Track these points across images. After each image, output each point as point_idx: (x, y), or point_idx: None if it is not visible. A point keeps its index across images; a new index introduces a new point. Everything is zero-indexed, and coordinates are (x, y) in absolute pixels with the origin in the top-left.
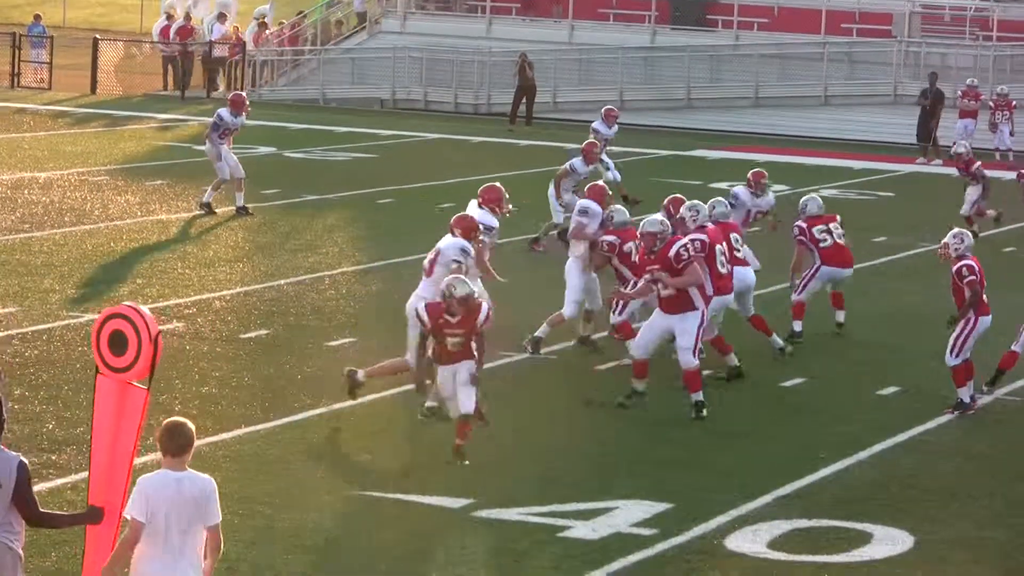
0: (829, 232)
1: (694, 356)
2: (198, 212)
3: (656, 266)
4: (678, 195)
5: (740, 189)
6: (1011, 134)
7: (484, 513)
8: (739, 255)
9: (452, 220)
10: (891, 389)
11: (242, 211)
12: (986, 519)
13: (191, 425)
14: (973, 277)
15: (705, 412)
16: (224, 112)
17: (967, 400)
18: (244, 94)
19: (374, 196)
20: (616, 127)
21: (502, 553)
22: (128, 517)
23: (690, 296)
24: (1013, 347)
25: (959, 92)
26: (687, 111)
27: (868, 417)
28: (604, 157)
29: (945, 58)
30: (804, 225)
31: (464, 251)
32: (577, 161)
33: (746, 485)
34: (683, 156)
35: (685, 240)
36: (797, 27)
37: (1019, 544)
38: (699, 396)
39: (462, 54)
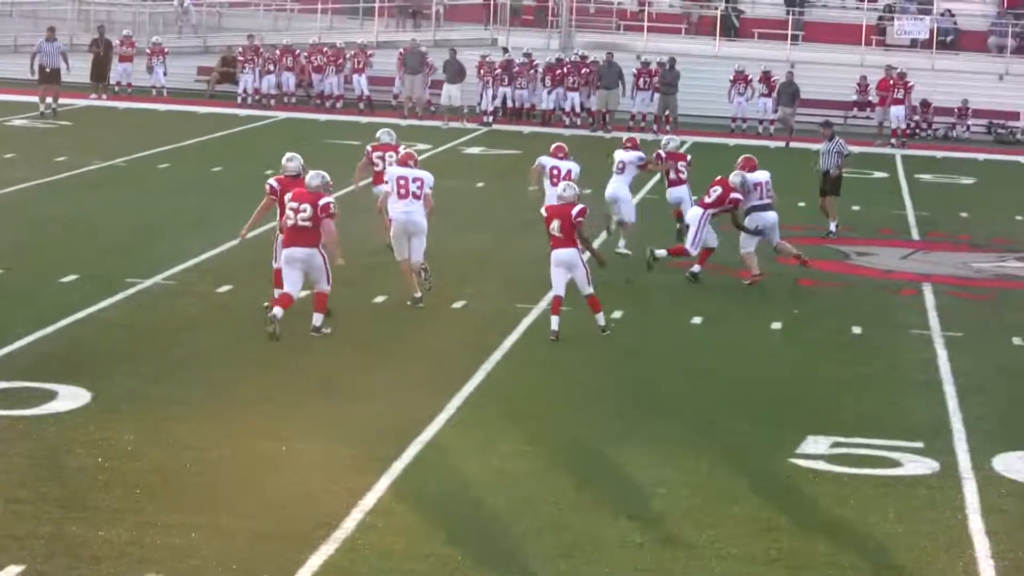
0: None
1: None
2: None
3: None
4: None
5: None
6: (165, 74)
7: None
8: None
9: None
10: (71, 277)
11: None
12: (150, 376)
13: None
14: None
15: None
16: None
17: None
18: None
19: None
20: None
21: None
22: None
23: None
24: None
25: (118, 41)
26: None
27: (53, 299)
28: None
29: (111, 13)
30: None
31: None
32: None
33: None
34: None
35: None
36: None
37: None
38: None
39: None
